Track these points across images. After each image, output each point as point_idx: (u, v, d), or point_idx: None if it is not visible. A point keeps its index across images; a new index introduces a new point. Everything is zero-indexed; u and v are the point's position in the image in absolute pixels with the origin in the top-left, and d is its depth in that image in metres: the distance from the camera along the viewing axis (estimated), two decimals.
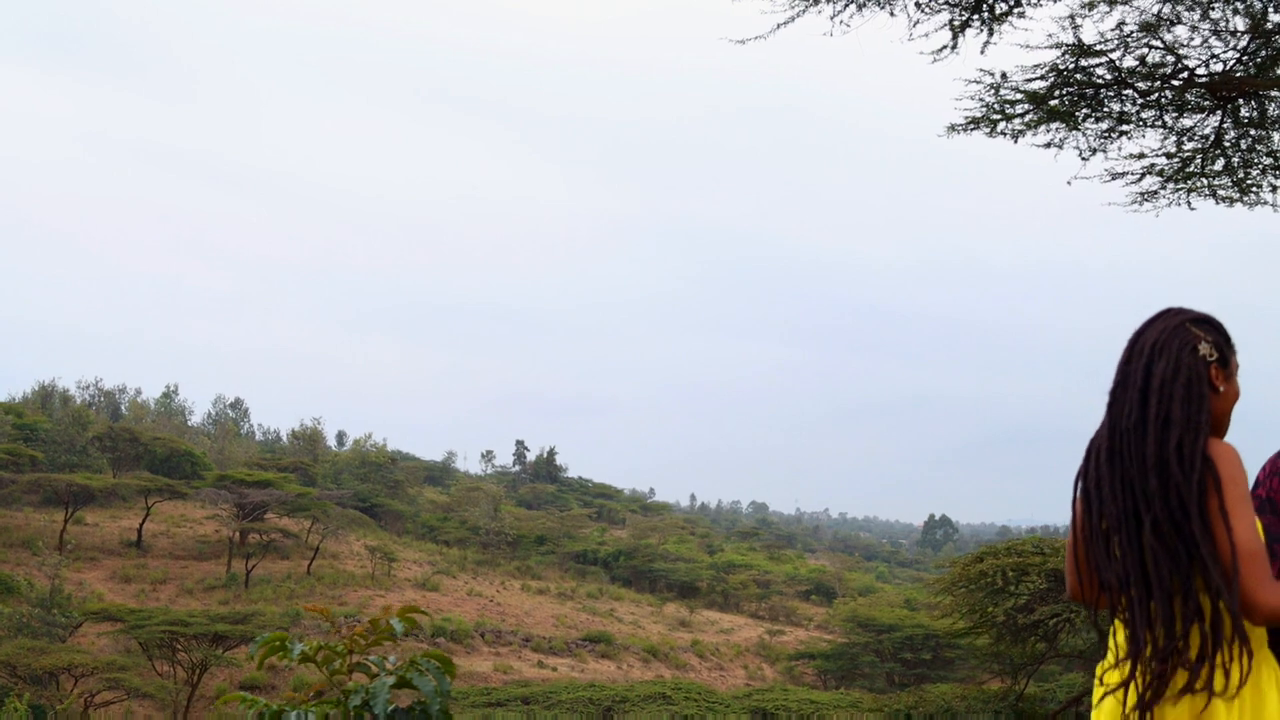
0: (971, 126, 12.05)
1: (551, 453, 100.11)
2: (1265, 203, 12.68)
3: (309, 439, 78.94)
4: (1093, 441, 2.97)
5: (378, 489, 70.95)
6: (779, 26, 11.28)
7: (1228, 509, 2.66)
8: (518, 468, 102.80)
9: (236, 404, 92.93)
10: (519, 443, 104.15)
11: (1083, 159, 12.34)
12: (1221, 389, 2.90)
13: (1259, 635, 2.71)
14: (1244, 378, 3.00)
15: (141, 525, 52.31)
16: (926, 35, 11.55)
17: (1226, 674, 2.62)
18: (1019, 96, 11.80)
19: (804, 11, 11.26)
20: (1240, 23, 11.48)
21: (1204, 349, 2.89)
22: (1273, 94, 12.13)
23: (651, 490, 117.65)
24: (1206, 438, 2.77)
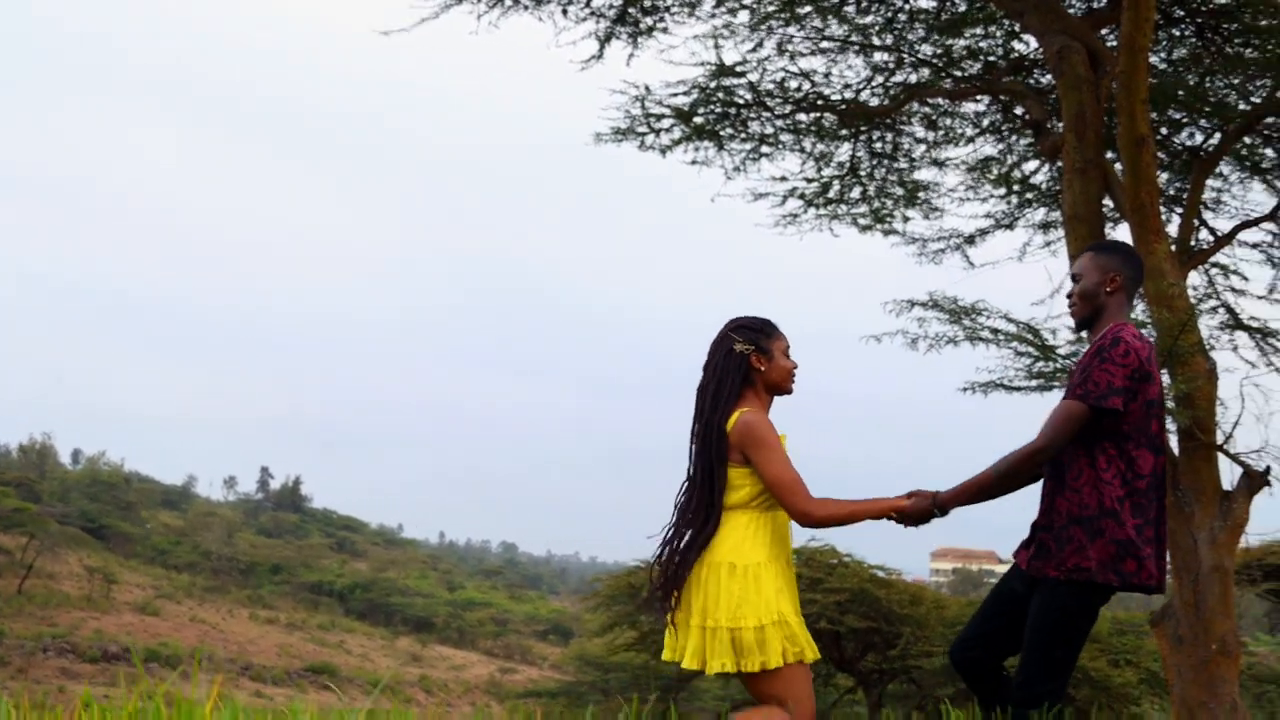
0: (619, 138, 12.25)
1: (297, 481, 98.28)
2: (898, 232, 13.21)
3: (38, 454, 75.82)
4: None
5: (108, 509, 68.34)
6: (422, 21, 11.31)
7: (761, 460, 3.95)
8: (261, 495, 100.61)
9: None
10: (264, 469, 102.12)
11: (727, 178, 12.68)
12: (764, 368, 4.10)
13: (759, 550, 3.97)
14: None
15: None
16: (574, 43, 11.74)
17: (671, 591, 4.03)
18: (665, 111, 12.07)
19: (448, 8, 11.34)
20: (882, 55, 12.03)
21: (739, 347, 4.10)
22: (905, 128, 12.72)
23: (400, 526, 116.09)
24: (726, 416, 4.03)
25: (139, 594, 54.88)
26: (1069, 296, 4.35)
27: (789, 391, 4.20)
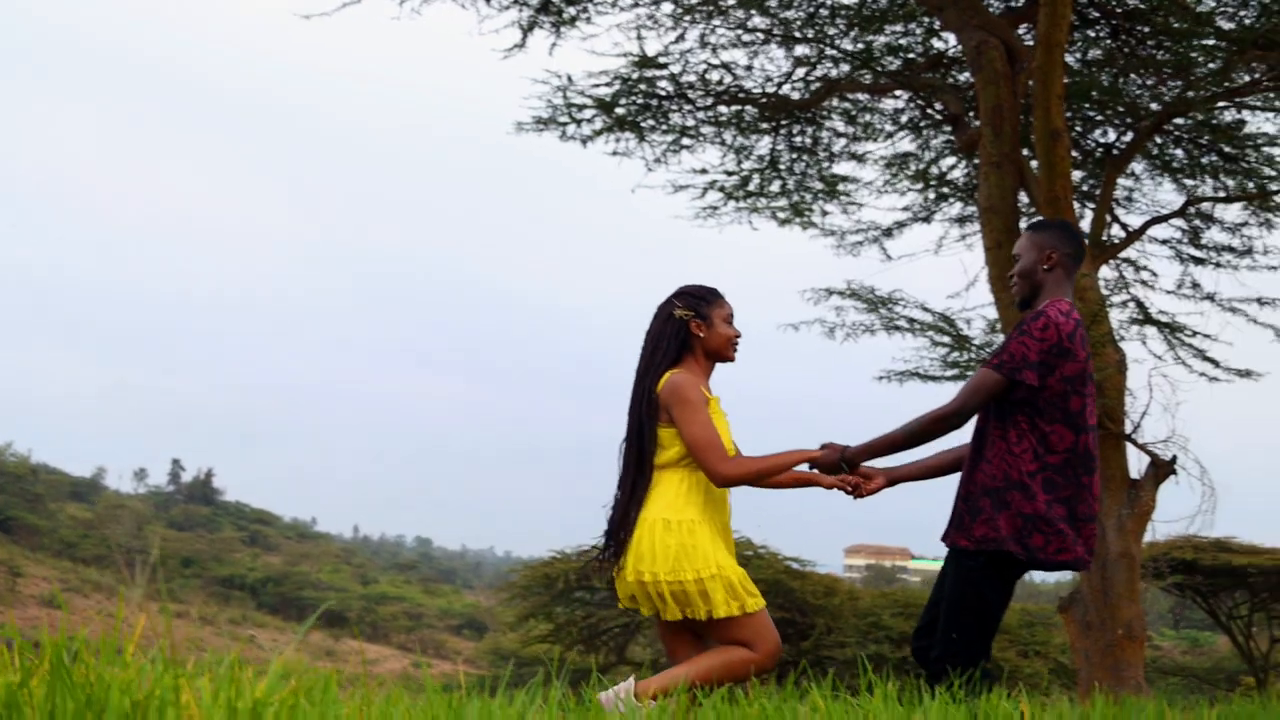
0: (540, 127, 12.24)
1: (209, 474, 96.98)
2: (816, 225, 13.32)
3: None
4: None
5: (14, 501, 67.04)
6: (344, 5, 11.23)
7: (680, 419, 4.06)
8: (172, 488, 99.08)
9: None
10: (175, 461, 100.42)
11: (648, 169, 12.71)
12: (703, 334, 4.23)
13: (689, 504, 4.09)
14: None
15: None
16: (496, 32, 11.70)
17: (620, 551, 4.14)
18: (587, 101, 12.09)
19: None
20: (803, 49, 12.12)
21: (678, 313, 4.24)
22: (824, 122, 12.84)
23: (314, 519, 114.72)
24: (657, 378, 4.17)
25: (45, 587, 53.95)
26: (1010, 277, 4.38)
27: (730, 359, 4.32)
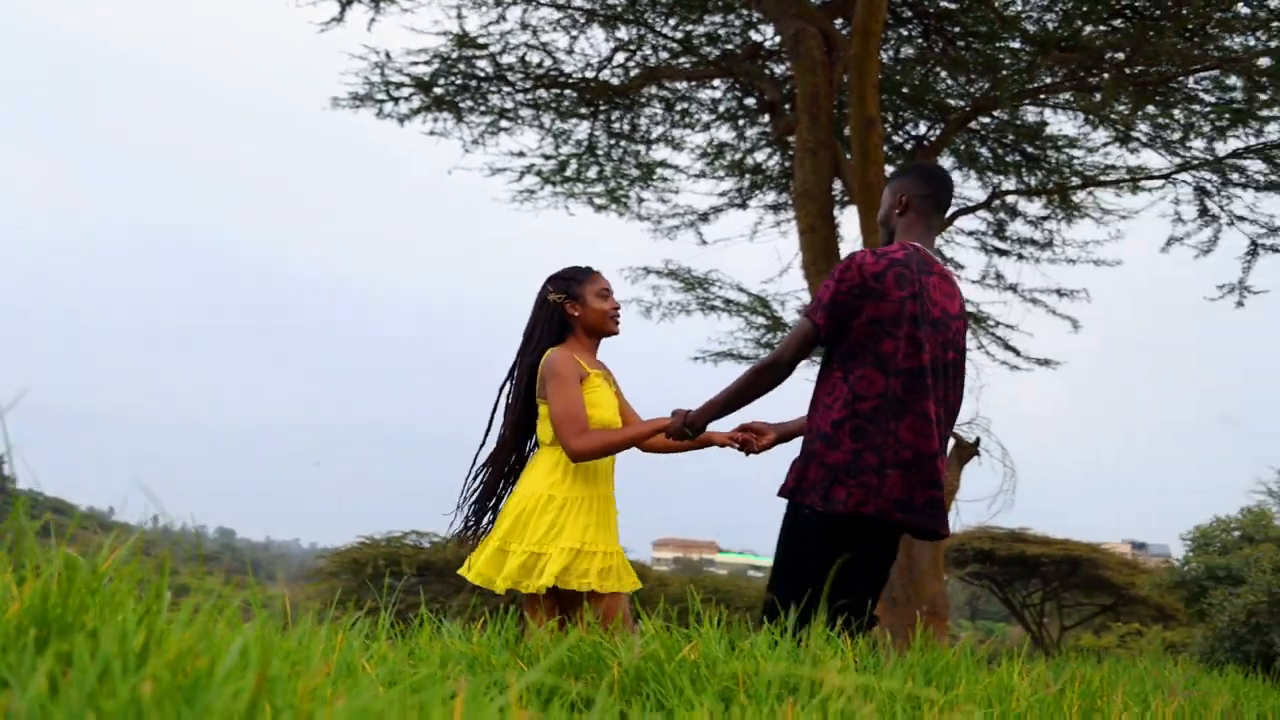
0: (356, 104, 12.06)
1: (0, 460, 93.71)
2: (633, 212, 13.38)
3: None
4: None
5: None
6: None
7: (549, 392, 4.15)
8: None
9: None
10: None
11: (466, 150, 12.63)
12: (578, 313, 4.33)
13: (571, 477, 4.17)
14: None
15: None
16: (314, 3, 11.48)
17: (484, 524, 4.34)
18: (405, 79, 11.95)
19: None
20: (623, 33, 12.16)
21: (552, 298, 4.36)
22: (643, 108, 12.92)
23: (111, 509, 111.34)
24: (537, 357, 4.30)
25: None
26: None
27: (611, 331, 4.43)
